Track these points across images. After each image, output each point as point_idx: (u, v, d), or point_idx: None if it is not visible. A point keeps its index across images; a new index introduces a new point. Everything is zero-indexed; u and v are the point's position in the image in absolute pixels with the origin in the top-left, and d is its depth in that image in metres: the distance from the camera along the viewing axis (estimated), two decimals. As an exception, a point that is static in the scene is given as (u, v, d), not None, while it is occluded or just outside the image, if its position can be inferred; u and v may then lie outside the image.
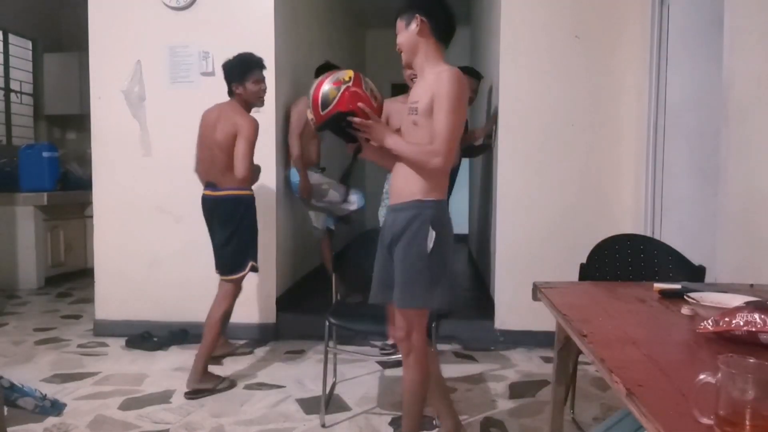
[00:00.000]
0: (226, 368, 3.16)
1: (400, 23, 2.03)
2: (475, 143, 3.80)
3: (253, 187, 2.98)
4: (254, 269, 3.00)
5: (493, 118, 3.69)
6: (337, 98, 1.88)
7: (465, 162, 4.03)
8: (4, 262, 5.05)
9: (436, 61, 1.99)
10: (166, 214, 3.70)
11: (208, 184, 2.92)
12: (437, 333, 2.50)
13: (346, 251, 2.77)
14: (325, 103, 1.90)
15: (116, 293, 3.76)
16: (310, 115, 2.01)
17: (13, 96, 6.05)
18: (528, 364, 3.16)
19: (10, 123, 6.02)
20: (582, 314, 1.41)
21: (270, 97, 3.44)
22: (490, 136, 3.72)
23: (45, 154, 5.25)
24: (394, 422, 2.42)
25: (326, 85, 1.90)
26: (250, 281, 3.43)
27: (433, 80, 1.91)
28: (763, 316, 1.11)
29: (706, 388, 0.83)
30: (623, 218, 3.42)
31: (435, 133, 1.87)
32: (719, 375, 0.82)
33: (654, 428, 0.82)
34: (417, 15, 1.96)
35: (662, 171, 3.14)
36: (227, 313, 3.00)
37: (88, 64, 3.74)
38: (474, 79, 3.76)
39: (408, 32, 1.99)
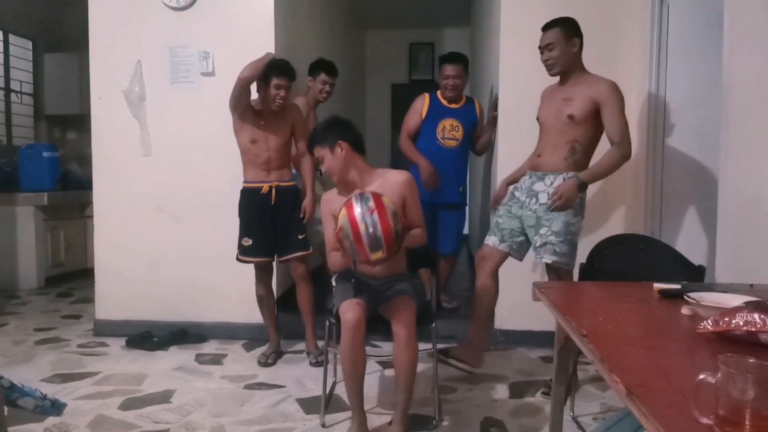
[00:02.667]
0: (226, 368, 3.16)
1: (323, 151, 2.41)
2: (483, 134, 3.76)
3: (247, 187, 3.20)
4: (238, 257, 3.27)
5: (493, 105, 3.68)
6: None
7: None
8: (5, 262, 5.05)
9: (367, 168, 2.45)
10: (166, 214, 3.70)
11: None
12: (437, 333, 2.50)
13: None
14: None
15: (116, 293, 3.77)
16: (378, 256, 2.12)
17: (13, 96, 6.05)
18: (528, 364, 3.16)
19: (10, 123, 6.02)
20: (582, 314, 1.41)
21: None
22: (493, 122, 3.68)
23: (45, 154, 5.25)
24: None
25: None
26: (250, 281, 3.43)
27: (394, 183, 2.37)
28: (762, 316, 1.11)
29: (706, 388, 0.83)
30: (623, 218, 3.43)
31: (417, 221, 2.40)
32: (719, 375, 0.82)
33: (654, 428, 0.82)
34: (338, 141, 2.38)
35: (662, 171, 3.14)
36: (258, 296, 3.31)
37: (88, 64, 3.74)
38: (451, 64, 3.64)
39: (335, 158, 2.39)
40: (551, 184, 2.69)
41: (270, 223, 3.16)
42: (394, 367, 2.28)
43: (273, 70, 3.04)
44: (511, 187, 2.93)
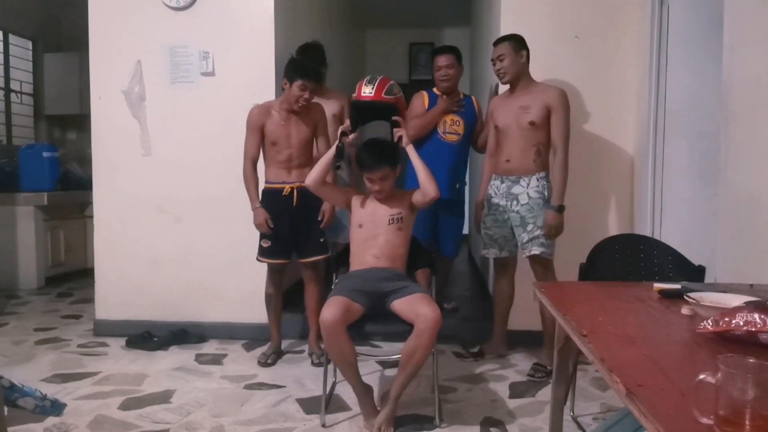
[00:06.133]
0: (226, 368, 3.17)
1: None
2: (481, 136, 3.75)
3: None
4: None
5: (493, 94, 3.66)
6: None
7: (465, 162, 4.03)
8: (4, 262, 5.05)
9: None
10: (166, 214, 3.70)
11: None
12: (437, 333, 2.50)
13: (346, 252, 2.76)
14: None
15: (116, 293, 3.77)
16: (369, 90, 2.57)
17: (13, 96, 6.05)
18: (528, 364, 3.16)
19: (10, 123, 6.02)
20: (582, 314, 1.41)
21: (271, 96, 3.45)
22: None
23: (45, 154, 5.24)
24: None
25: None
26: (250, 281, 3.44)
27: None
28: (762, 316, 1.11)
29: (706, 388, 0.83)
30: (623, 218, 3.43)
31: None
32: (719, 375, 0.82)
33: (654, 428, 0.82)
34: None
35: (662, 171, 3.14)
36: (266, 294, 3.28)
37: (88, 64, 3.74)
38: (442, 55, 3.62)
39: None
40: (527, 185, 3.00)
41: (291, 225, 3.12)
42: (404, 357, 2.30)
43: (298, 71, 3.01)
44: (487, 195, 3.19)
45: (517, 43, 3.02)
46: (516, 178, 3.02)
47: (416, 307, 2.31)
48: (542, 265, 3.01)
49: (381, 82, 2.55)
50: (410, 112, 3.64)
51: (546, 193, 2.98)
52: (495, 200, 3.11)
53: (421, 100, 3.64)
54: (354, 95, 2.59)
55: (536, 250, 2.95)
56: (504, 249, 3.12)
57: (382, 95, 2.51)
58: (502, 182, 3.08)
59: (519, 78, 3.03)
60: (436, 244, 3.66)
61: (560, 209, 2.92)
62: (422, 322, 2.25)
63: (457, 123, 3.59)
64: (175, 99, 3.66)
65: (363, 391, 2.42)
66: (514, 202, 3.02)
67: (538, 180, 2.99)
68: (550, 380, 2.72)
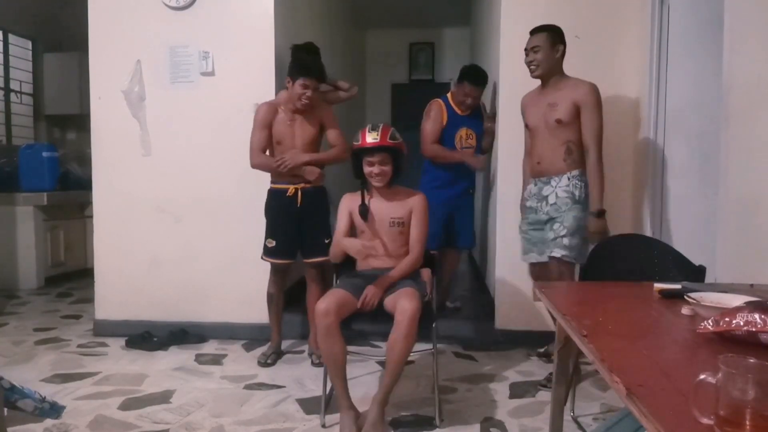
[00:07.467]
0: (226, 368, 3.16)
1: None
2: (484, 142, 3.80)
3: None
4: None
5: (491, 116, 3.72)
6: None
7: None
8: (4, 262, 5.05)
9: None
10: (166, 214, 3.70)
11: None
12: (437, 333, 2.51)
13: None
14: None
15: (116, 293, 3.77)
16: (374, 135, 2.55)
17: (13, 96, 6.06)
18: (528, 364, 3.16)
19: (10, 123, 6.03)
20: (582, 314, 1.40)
21: (271, 96, 3.45)
22: (493, 116, 3.70)
23: (45, 154, 5.25)
24: None
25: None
26: (250, 281, 3.44)
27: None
28: (763, 316, 1.11)
29: (706, 388, 0.83)
30: (623, 218, 3.42)
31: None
32: (719, 375, 0.82)
33: (654, 428, 0.81)
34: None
35: (662, 171, 3.14)
36: (268, 294, 3.27)
37: (88, 64, 3.74)
38: (472, 85, 3.62)
39: None
40: (557, 185, 2.88)
41: (295, 225, 3.12)
42: (387, 353, 2.32)
43: (300, 69, 3.00)
44: (524, 199, 3.12)
45: (556, 35, 2.86)
46: (547, 179, 2.92)
47: (397, 301, 2.33)
48: (559, 270, 2.84)
49: (384, 128, 2.57)
50: (427, 117, 3.66)
51: (576, 193, 2.84)
52: (529, 203, 3.03)
53: (439, 110, 3.64)
54: (357, 143, 2.56)
55: (557, 253, 2.82)
56: (543, 254, 2.95)
57: (387, 140, 2.53)
58: (535, 185, 2.99)
59: (551, 73, 2.88)
60: (446, 239, 3.74)
61: (599, 214, 2.76)
62: (399, 314, 2.27)
63: (471, 136, 3.72)
64: (175, 99, 3.66)
65: (347, 404, 2.36)
66: (544, 203, 2.92)
67: (569, 179, 2.85)
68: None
